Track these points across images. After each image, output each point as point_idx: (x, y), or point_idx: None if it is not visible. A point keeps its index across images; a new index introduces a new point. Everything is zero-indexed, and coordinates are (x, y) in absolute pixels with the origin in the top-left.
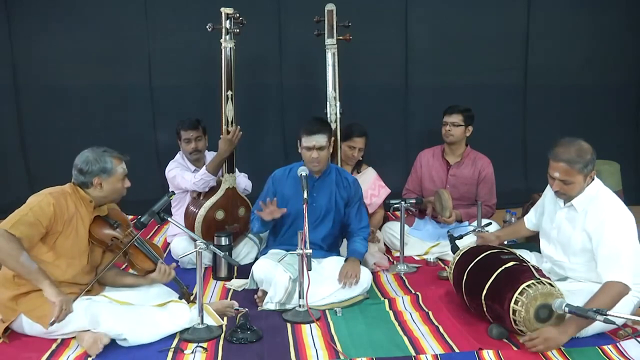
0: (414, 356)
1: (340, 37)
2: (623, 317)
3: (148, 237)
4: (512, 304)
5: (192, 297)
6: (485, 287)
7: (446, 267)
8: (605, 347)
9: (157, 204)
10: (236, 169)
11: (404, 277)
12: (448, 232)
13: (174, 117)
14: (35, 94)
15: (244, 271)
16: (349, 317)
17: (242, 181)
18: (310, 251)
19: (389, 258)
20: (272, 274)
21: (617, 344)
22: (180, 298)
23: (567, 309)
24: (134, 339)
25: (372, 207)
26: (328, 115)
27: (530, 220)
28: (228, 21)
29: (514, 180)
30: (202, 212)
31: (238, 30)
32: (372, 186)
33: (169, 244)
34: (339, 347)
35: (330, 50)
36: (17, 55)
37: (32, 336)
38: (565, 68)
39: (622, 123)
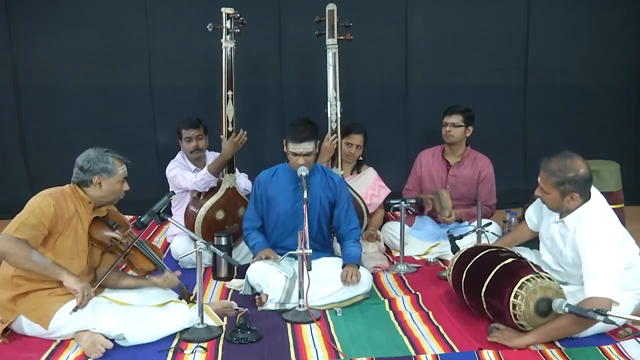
0: (414, 356)
1: (341, 37)
2: (623, 317)
3: (148, 237)
4: (512, 298)
5: (192, 297)
6: (485, 284)
7: (446, 267)
8: (605, 347)
9: (157, 204)
10: (236, 169)
11: (404, 277)
12: (448, 232)
13: (174, 117)
14: (35, 94)
15: (244, 271)
16: (349, 317)
17: (242, 181)
18: (310, 251)
19: (389, 258)
20: (267, 275)
21: (617, 344)
22: (180, 298)
23: (567, 309)
24: (133, 339)
25: (372, 207)
26: (328, 115)
27: (531, 220)
28: (228, 21)
29: (514, 180)
30: (202, 212)
31: (239, 30)
32: (372, 186)
33: (169, 244)
34: (339, 347)
35: (331, 50)
36: (17, 55)
37: (32, 336)
38: (565, 68)
39: (622, 123)
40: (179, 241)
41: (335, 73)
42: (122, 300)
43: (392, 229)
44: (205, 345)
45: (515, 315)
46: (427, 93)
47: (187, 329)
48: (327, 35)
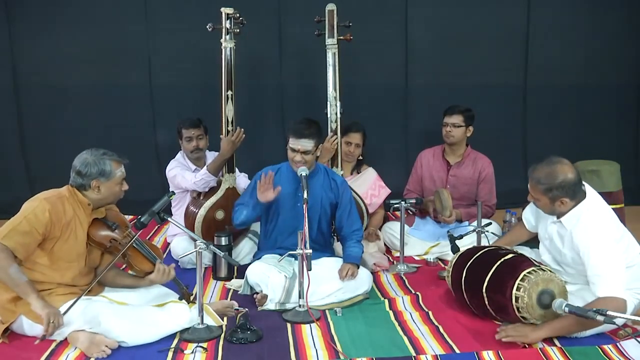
0: (414, 356)
1: (341, 37)
2: (623, 317)
3: (148, 237)
4: (514, 291)
5: (192, 297)
6: (486, 280)
7: (446, 267)
8: (605, 347)
9: (157, 204)
10: (236, 169)
11: (404, 277)
12: (448, 232)
13: (174, 117)
14: (35, 94)
15: (244, 271)
16: (349, 317)
17: (242, 181)
18: (310, 251)
19: (389, 258)
20: (266, 275)
21: (617, 344)
22: (180, 298)
23: (567, 309)
24: (133, 339)
25: (372, 207)
26: (328, 115)
27: (528, 221)
28: (228, 21)
29: (514, 180)
30: (202, 212)
31: (238, 30)
32: (372, 186)
33: (169, 244)
34: (339, 347)
35: (330, 50)
36: (17, 55)
37: (32, 336)
38: (565, 68)
39: (622, 123)
40: (179, 241)
41: (335, 73)
42: (122, 300)
43: (392, 229)
44: (205, 345)
45: (518, 308)
46: (427, 93)
47: (187, 329)
48: (327, 35)
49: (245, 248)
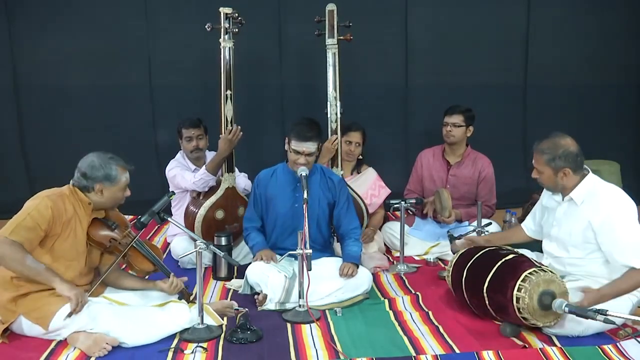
0: (414, 356)
1: (341, 37)
2: (623, 317)
3: (148, 237)
4: (515, 292)
5: (192, 297)
6: (487, 280)
7: (446, 267)
8: (605, 347)
9: (157, 204)
10: (236, 169)
11: (404, 277)
12: (448, 232)
13: (174, 117)
14: (35, 94)
15: (244, 271)
16: (349, 317)
17: (242, 181)
18: (310, 251)
19: (389, 258)
20: (266, 275)
21: (617, 344)
22: (180, 298)
23: (567, 309)
24: (133, 341)
25: (372, 207)
26: (328, 115)
27: (529, 227)
28: (227, 21)
29: (514, 180)
30: (202, 211)
31: (237, 30)
32: (372, 186)
33: (169, 244)
34: (339, 347)
35: (330, 50)
36: (17, 55)
37: (32, 337)
38: (565, 68)
39: (622, 123)
40: (179, 241)
41: (335, 73)
42: (122, 301)
43: (392, 229)
44: (205, 345)
45: (518, 309)
46: (427, 93)
47: (187, 329)
48: (327, 35)
49: (245, 248)
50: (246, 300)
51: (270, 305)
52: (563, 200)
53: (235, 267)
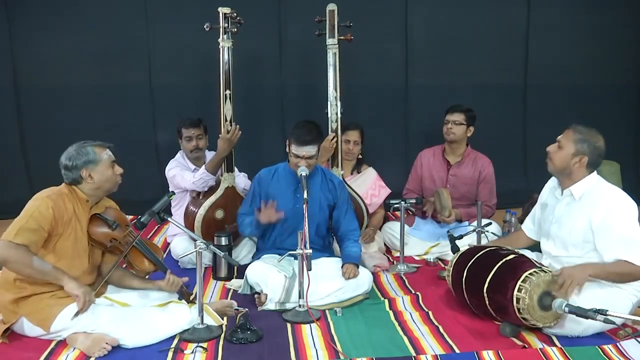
0: (414, 356)
1: (342, 37)
2: (623, 317)
3: (148, 237)
4: (515, 292)
5: (192, 297)
6: (487, 280)
7: (446, 267)
8: (605, 347)
9: (157, 204)
10: (235, 169)
11: (404, 277)
12: (448, 232)
13: (173, 116)
14: (35, 94)
15: (244, 271)
16: (349, 317)
17: (242, 181)
18: (310, 251)
19: (389, 258)
20: (266, 275)
21: (617, 343)
22: (180, 298)
23: (567, 309)
24: (133, 342)
25: (372, 207)
26: (329, 115)
27: (529, 228)
28: (225, 21)
29: (514, 180)
30: (201, 211)
31: (236, 30)
32: (372, 186)
33: (169, 244)
34: (339, 347)
35: (331, 50)
36: (17, 55)
37: (32, 337)
38: (565, 68)
39: (622, 123)
40: (179, 241)
41: (336, 73)
42: (123, 301)
43: (392, 229)
44: (205, 345)
45: (518, 309)
46: (427, 93)
47: (187, 329)
48: (327, 35)
49: (245, 248)
50: (246, 300)
51: (270, 305)
52: (562, 194)
53: (235, 267)
